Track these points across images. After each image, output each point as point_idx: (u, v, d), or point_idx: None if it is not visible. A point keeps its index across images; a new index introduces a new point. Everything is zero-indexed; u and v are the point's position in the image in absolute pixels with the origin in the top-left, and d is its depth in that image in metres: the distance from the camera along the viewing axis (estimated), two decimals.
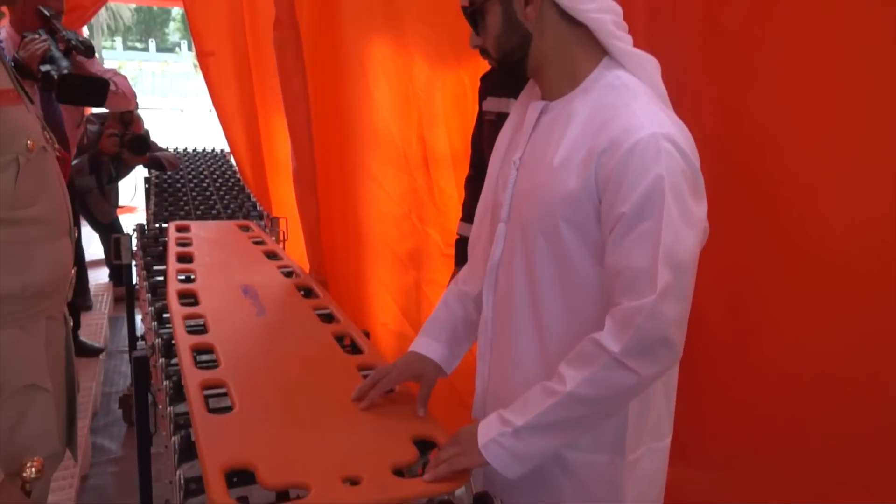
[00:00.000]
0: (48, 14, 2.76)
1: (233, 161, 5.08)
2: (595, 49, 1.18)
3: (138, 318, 3.11)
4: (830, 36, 1.43)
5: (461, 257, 1.90)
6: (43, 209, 1.07)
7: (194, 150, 5.51)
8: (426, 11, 2.16)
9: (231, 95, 4.02)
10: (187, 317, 1.82)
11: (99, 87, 2.57)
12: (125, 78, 3.90)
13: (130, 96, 3.84)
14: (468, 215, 1.98)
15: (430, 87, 2.18)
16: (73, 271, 1.21)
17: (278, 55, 2.05)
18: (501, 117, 1.82)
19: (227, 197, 3.71)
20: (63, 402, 1.22)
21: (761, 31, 1.60)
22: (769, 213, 1.54)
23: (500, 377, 1.32)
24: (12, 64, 1.15)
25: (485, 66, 2.21)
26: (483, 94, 1.93)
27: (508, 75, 1.29)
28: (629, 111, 1.08)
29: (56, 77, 2.36)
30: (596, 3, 1.14)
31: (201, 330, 1.77)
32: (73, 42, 2.73)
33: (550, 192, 1.14)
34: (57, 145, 1.17)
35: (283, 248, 2.88)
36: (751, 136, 1.60)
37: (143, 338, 2.38)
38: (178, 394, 1.53)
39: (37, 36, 2.51)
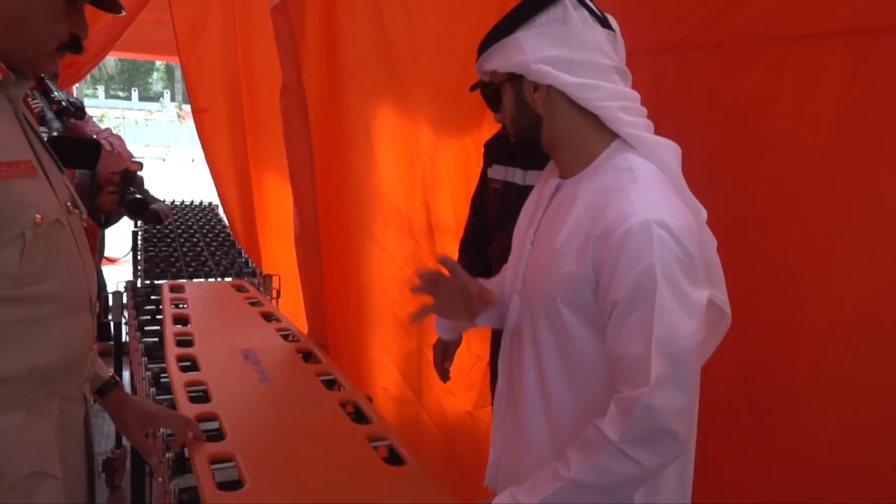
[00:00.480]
0: (42, 75, 2.75)
1: (220, 214, 5.09)
2: (607, 131, 1.19)
3: (125, 374, 3.04)
4: (837, 111, 1.48)
5: None
6: (55, 285, 1.02)
7: (181, 202, 5.49)
8: (431, 79, 2.21)
9: (224, 151, 4.04)
10: (188, 384, 1.78)
11: (91, 148, 2.54)
12: (120, 138, 3.91)
13: (126, 157, 3.84)
14: None
15: (434, 153, 2.21)
16: (94, 347, 1.17)
17: (284, 121, 2.08)
18: (508, 186, 1.84)
19: (218, 253, 3.68)
20: (80, 488, 1.16)
21: (767, 107, 1.66)
22: (780, 283, 1.57)
23: (512, 449, 1.31)
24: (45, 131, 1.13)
25: (488, 133, 2.25)
26: (488, 161, 1.95)
27: (523, 149, 1.32)
28: (625, 196, 1.09)
29: (47, 139, 2.35)
30: (601, 90, 1.15)
31: (203, 398, 1.73)
32: (65, 104, 2.72)
33: (551, 273, 1.17)
34: (85, 216, 1.15)
35: (277, 305, 2.86)
36: (759, 208, 1.64)
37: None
38: (180, 466, 1.49)
39: (30, 97, 2.50)
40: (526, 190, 1.76)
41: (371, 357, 2.21)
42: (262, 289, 3.02)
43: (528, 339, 1.23)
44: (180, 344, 2.09)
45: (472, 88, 1.75)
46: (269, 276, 3.21)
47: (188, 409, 1.61)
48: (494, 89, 1.27)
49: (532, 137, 1.24)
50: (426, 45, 2.21)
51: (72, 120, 2.79)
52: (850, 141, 1.46)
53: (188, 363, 1.97)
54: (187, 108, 27.32)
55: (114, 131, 3.97)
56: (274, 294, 3.13)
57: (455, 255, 2.09)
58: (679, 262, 1.05)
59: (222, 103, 3.99)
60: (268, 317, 2.47)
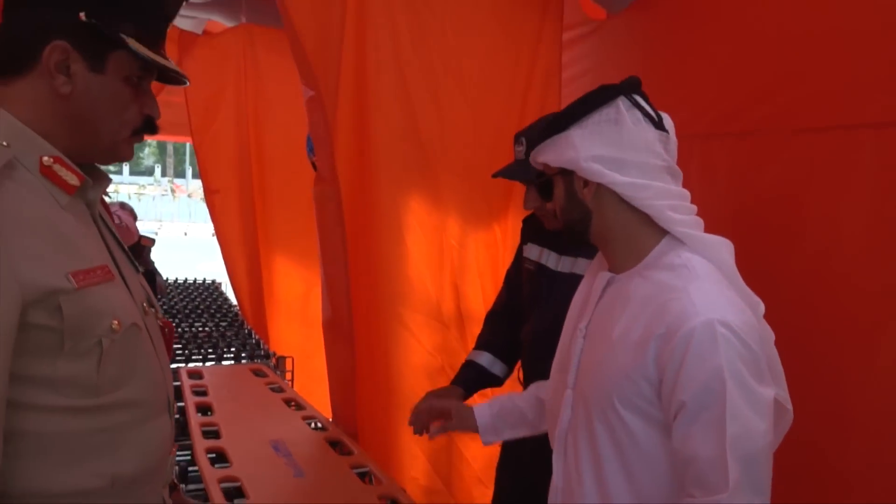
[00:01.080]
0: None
1: (225, 291, 5.06)
2: (657, 227, 1.19)
3: None
4: (871, 198, 1.51)
5: (463, 375, 1.93)
6: (133, 390, 0.98)
7: (185, 280, 5.47)
8: (458, 165, 2.25)
9: (235, 232, 4.05)
10: (222, 480, 1.73)
11: None
12: (130, 212, 3.93)
13: (134, 231, 3.85)
14: (481, 344, 1.97)
15: (463, 237, 2.23)
16: (173, 449, 1.13)
17: (318, 208, 2.09)
18: (541, 269, 1.84)
19: (228, 333, 3.65)
20: None
21: (799, 195, 1.69)
22: (828, 370, 1.57)
23: None
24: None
25: (514, 218, 2.27)
26: (525, 237, 1.95)
27: (570, 239, 1.32)
28: (685, 295, 1.08)
29: None
30: (651, 190, 1.17)
31: (239, 494, 1.68)
32: None
33: (608, 370, 1.15)
34: (161, 314, 1.12)
35: (293, 388, 2.81)
36: (798, 295, 1.65)
37: None
38: None
39: None
40: (558, 276, 1.78)
41: (401, 446, 2.15)
42: (278, 372, 2.98)
43: (584, 435, 1.21)
44: (207, 435, 2.04)
45: (495, 175, 1.79)
46: (283, 358, 3.18)
47: None
48: (547, 180, 1.30)
49: (581, 230, 1.26)
50: (454, 132, 2.25)
51: None
52: (888, 227, 1.49)
53: (215, 455, 1.92)
54: (180, 182, 27.54)
55: (127, 202, 3.97)
56: (288, 377, 3.09)
57: None
58: (745, 362, 1.04)
59: (234, 185, 4.02)
60: (290, 403, 2.42)
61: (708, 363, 1.03)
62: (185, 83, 1.07)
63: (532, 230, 1.92)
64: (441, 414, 1.69)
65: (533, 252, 1.91)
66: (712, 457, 1.01)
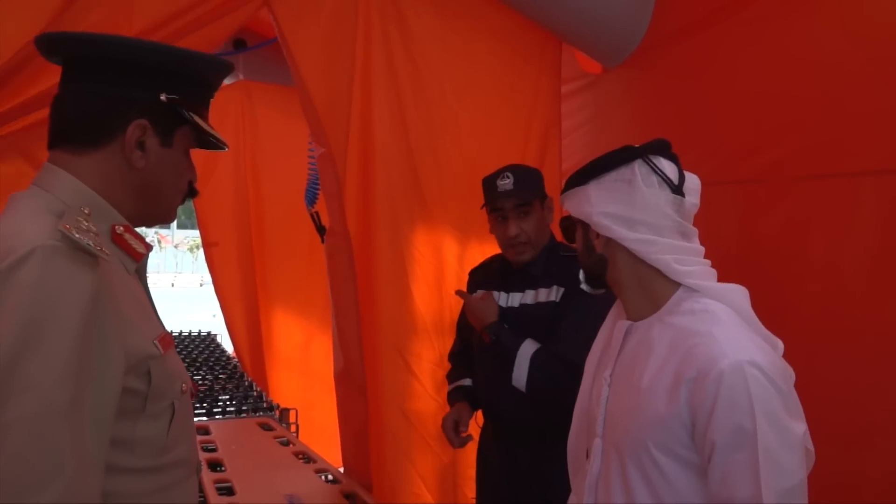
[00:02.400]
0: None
1: (221, 343, 5.04)
2: (670, 278, 1.22)
3: None
4: (875, 243, 1.57)
5: (461, 393, 2.06)
6: (183, 451, 1.03)
7: (180, 332, 5.44)
8: (454, 215, 2.35)
9: (233, 283, 4.06)
10: None
11: None
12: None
13: None
14: (462, 373, 2.10)
15: (460, 284, 2.29)
16: None
17: (330, 261, 2.13)
18: None
19: (228, 385, 3.63)
20: None
21: (801, 240, 1.75)
22: (837, 412, 1.60)
23: None
24: None
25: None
26: (472, 287, 2.07)
27: (589, 282, 1.35)
28: (711, 338, 1.11)
29: None
30: (657, 246, 1.21)
31: None
32: None
33: (640, 416, 1.17)
34: (191, 381, 1.16)
35: (298, 438, 2.80)
36: (802, 337, 1.69)
37: None
38: None
39: None
40: (509, 311, 1.90)
41: (411, 491, 2.16)
42: (282, 423, 2.97)
43: (617, 482, 1.22)
44: (221, 491, 2.03)
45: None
46: (287, 411, 3.17)
47: None
48: (570, 225, 1.38)
49: (598, 275, 1.31)
50: (450, 185, 2.35)
51: None
52: (891, 270, 1.54)
53: None
54: (165, 233, 27.45)
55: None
56: (293, 429, 3.07)
57: None
58: (775, 400, 1.07)
59: (232, 237, 4.05)
60: (300, 456, 2.41)
61: (739, 404, 1.04)
62: (225, 149, 1.13)
63: (479, 279, 2.05)
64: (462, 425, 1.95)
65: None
66: (749, 497, 1.03)
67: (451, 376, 2.12)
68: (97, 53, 0.99)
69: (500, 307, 1.89)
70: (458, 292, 1.94)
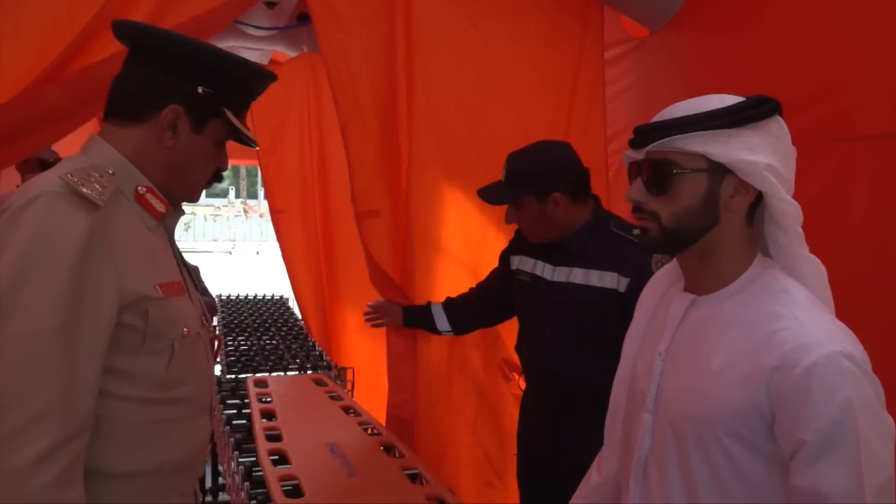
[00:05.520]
0: (51, 161, 2.74)
1: (291, 306, 5.28)
2: (752, 250, 1.13)
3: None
4: None
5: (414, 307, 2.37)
6: (188, 390, 1.17)
7: (254, 296, 5.72)
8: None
9: (298, 249, 4.25)
10: (282, 478, 1.86)
11: None
12: None
13: None
14: (446, 301, 2.33)
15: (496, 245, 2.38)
16: (208, 446, 1.29)
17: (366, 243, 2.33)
18: (538, 280, 1.99)
19: (293, 346, 3.82)
20: None
21: (842, 203, 1.70)
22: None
23: None
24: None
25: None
26: (515, 249, 2.11)
27: (666, 246, 1.15)
28: (798, 324, 1.02)
29: None
30: (799, 213, 1.09)
31: (297, 492, 1.80)
32: None
33: (709, 401, 1.08)
34: (212, 329, 1.29)
35: (353, 397, 2.95)
36: (843, 299, 1.65)
37: (224, 489, 2.42)
38: None
39: None
40: (555, 285, 1.91)
41: (455, 439, 2.32)
42: (338, 382, 3.12)
43: (673, 463, 1.13)
44: (270, 438, 2.18)
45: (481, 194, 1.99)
46: (344, 369, 3.32)
47: None
48: (673, 172, 1.09)
49: (690, 238, 1.11)
50: (502, 141, 2.40)
51: None
52: None
53: (277, 457, 2.05)
54: (252, 203, 28.65)
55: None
56: (349, 387, 3.23)
57: None
58: (870, 392, 1.00)
59: (297, 205, 4.24)
60: (348, 410, 2.55)
61: (836, 398, 0.97)
62: (255, 147, 1.28)
63: (524, 242, 2.05)
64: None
65: (527, 264, 2.04)
66: (846, 492, 0.96)
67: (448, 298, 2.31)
68: (153, 43, 1.14)
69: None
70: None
